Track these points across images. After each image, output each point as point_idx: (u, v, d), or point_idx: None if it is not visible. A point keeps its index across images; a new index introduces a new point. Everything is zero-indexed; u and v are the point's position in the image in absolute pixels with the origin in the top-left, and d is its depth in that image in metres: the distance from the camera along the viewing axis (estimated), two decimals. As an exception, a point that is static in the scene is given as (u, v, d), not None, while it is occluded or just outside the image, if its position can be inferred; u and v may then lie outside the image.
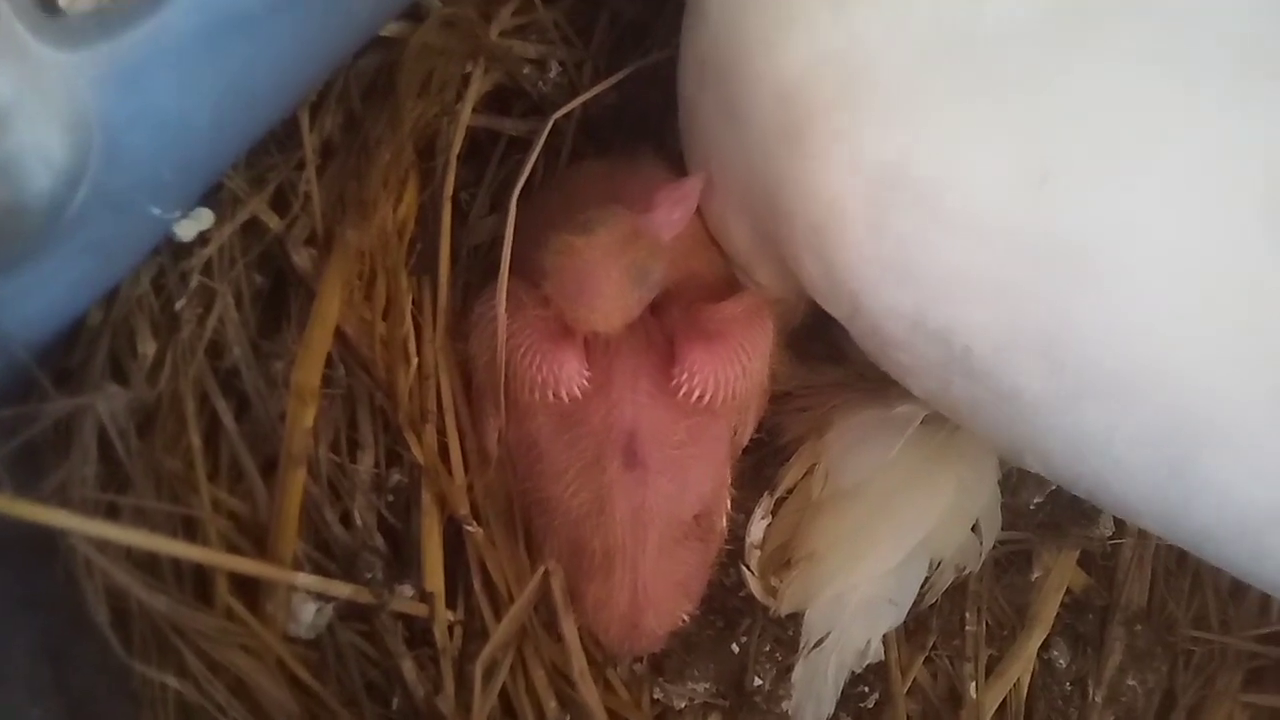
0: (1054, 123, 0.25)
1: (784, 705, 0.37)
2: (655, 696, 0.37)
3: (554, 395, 0.33)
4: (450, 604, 0.35)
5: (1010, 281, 0.26)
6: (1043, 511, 0.40)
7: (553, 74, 0.39)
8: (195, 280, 0.33)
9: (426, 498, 0.35)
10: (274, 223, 0.35)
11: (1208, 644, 0.38)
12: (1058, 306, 0.26)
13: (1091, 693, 0.38)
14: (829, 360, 0.41)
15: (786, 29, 0.28)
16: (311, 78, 0.31)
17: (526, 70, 0.39)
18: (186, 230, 0.31)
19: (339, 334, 0.34)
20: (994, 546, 0.39)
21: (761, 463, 0.41)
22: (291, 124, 0.34)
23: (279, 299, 0.36)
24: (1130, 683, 0.38)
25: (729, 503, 0.37)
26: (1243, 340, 0.24)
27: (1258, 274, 0.24)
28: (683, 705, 0.37)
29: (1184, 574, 0.39)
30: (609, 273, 0.33)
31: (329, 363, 0.35)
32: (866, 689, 0.38)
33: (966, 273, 0.27)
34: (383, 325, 0.35)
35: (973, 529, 0.38)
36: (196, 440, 0.34)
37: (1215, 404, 0.25)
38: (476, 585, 0.35)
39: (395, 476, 0.36)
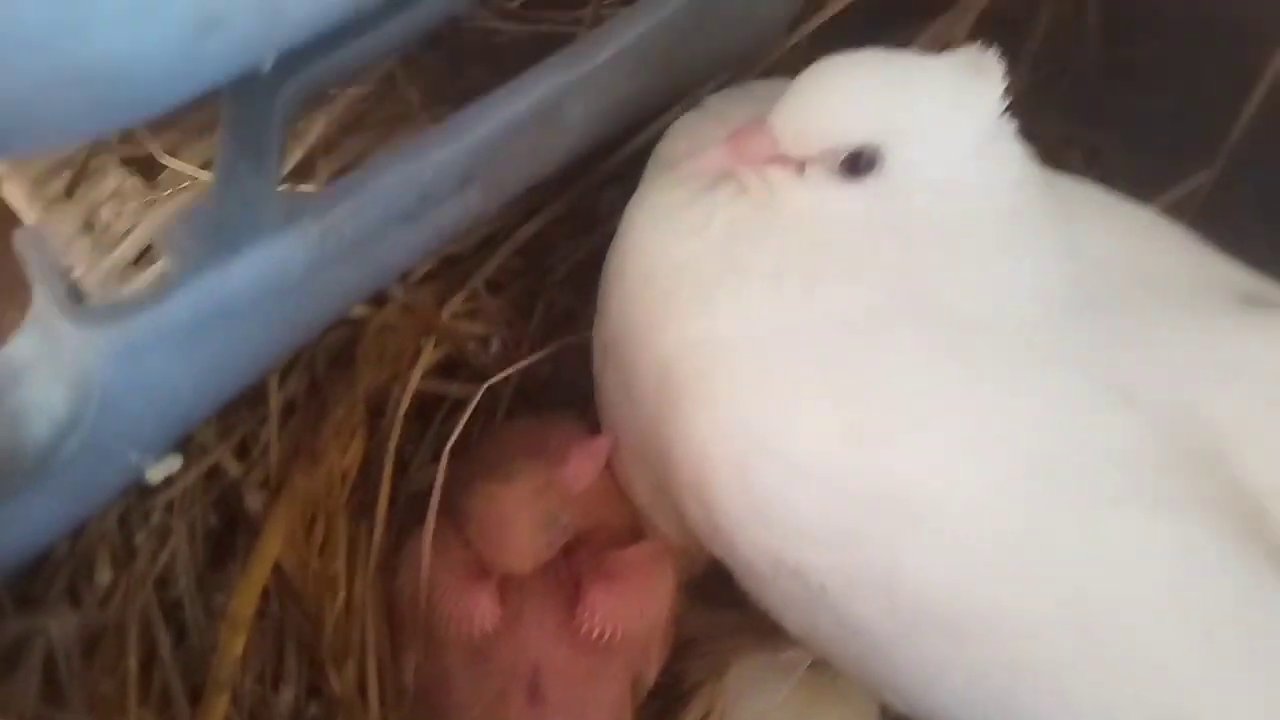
0: (865, 391, 0.31)
1: None
2: None
3: (467, 630, 0.37)
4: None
5: (849, 527, 0.32)
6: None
7: (494, 349, 0.46)
8: (156, 518, 0.37)
9: (341, 730, 0.37)
10: (234, 469, 0.40)
11: None
12: (888, 549, 0.31)
13: None
14: (731, 605, 0.45)
15: (663, 323, 0.35)
16: (282, 354, 0.37)
17: (471, 345, 0.46)
18: (157, 474, 0.36)
19: (277, 569, 0.38)
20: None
21: (666, 707, 0.43)
22: (261, 386, 0.40)
23: (230, 537, 0.40)
24: None
25: (628, 743, 0.39)
26: (1034, 584, 0.29)
27: (1035, 527, 0.29)
28: None
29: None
30: (523, 519, 0.38)
31: (265, 596, 0.39)
32: None
33: (814, 519, 0.32)
34: (318, 562, 0.39)
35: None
36: (133, 665, 0.37)
37: (1022, 641, 0.30)
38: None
39: (313, 709, 0.38)
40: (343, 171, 0.42)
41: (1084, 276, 0.32)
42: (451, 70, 0.48)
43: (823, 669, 0.42)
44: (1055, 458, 0.29)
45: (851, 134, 0.34)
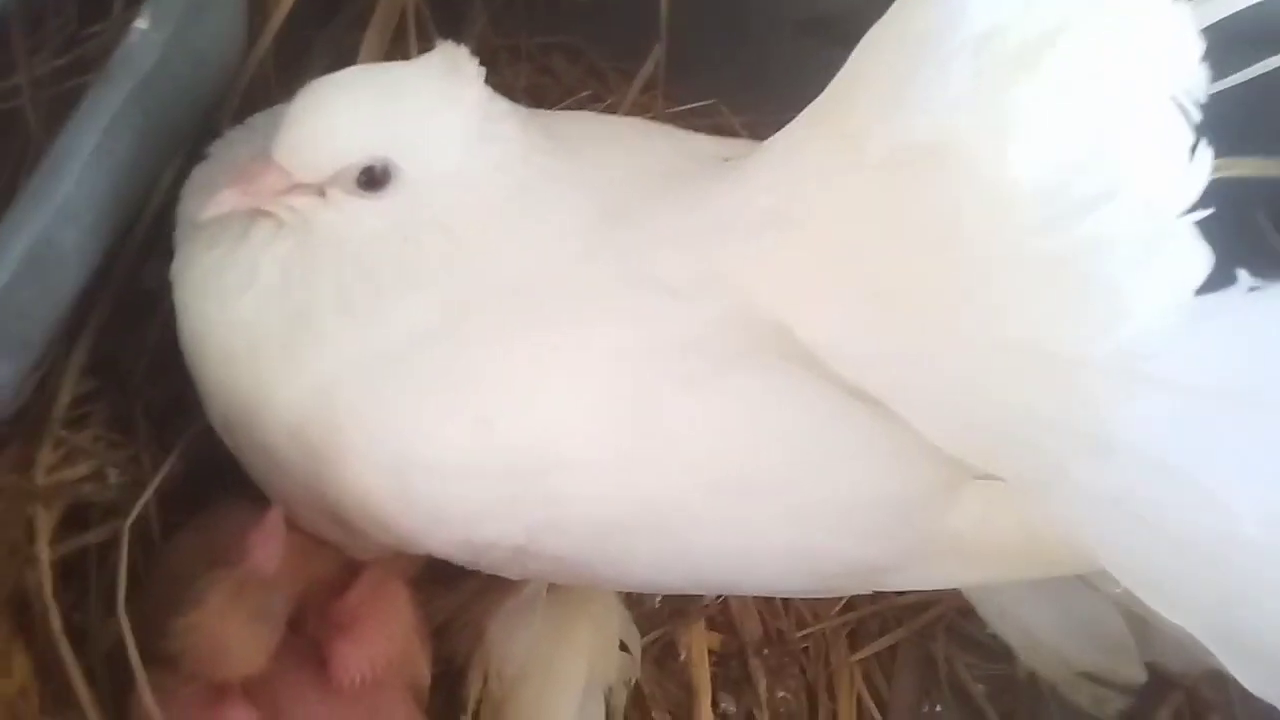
0: (472, 383, 0.35)
1: None
2: None
3: (239, 749, 0.37)
4: None
5: (512, 495, 0.36)
6: (666, 605, 0.50)
7: (113, 479, 0.43)
8: None
9: None
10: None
11: (814, 635, 0.51)
12: (549, 500, 0.36)
13: (760, 718, 0.48)
14: (461, 576, 0.49)
15: (264, 390, 0.36)
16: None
17: (88, 489, 0.43)
18: None
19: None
20: (644, 649, 0.48)
21: (449, 691, 0.47)
22: None
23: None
24: (781, 694, 0.49)
25: (434, 741, 0.43)
26: (661, 473, 0.36)
27: (644, 431, 0.35)
28: None
29: (773, 600, 0.51)
30: (233, 629, 0.38)
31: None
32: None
33: (482, 504, 0.36)
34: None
35: (621, 648, 0.48)
36: None
37: (667, 518, 0.36)
38: None
39: None
40: None
41: (603, 202, 0.37)
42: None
43: (556, 587, 0.47)
44: (640, 368, 0.35)
45: (356, 151, 0.35)
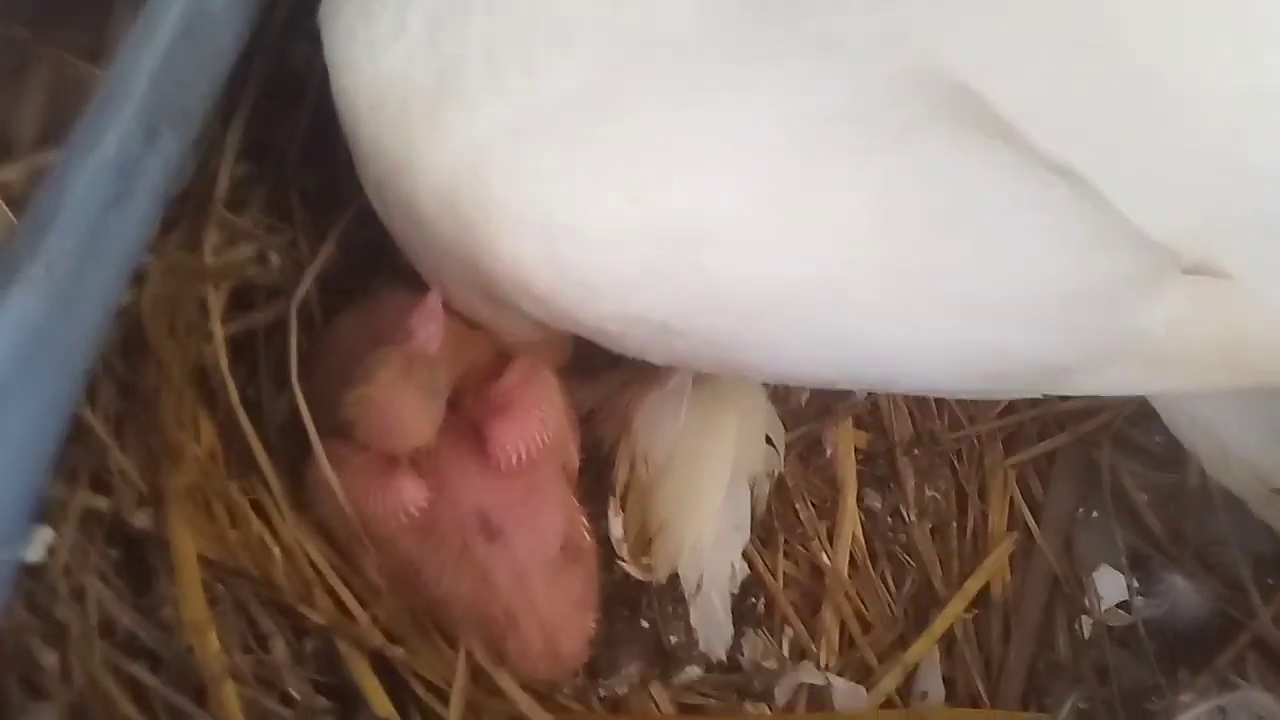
0: (621, 149, 0.33)
1: (699, 646, 0.45)
2: (601, 694, 0.44)
3: (405, 516, 0.39)
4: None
5: (659, 268, 0.34)
6: (813, 402, 0.49)
7: (275, 262, 0.44)
8: (63, 586, 0.37)
9: (344, 647, 0.40)
10: (104, 504, 0.39)
11: (967, 438, 0.49)
12: (697, 272, 0.34)
13: (907, 516, 0.48)
14: (608, 367, 0.49)
15: (414, 150, 0.35)
16: (81, 384, 0.35)
17: (252, 271, 0.44)
18: (35, 552, 0.35)
19: (203, 561, 0.39)
20: (789, 445, 0.48)
21: (597, 475, 0.48)
22: (77, 417, 0.38)
23: (140, 561, 0.40)
24: (930, 494, 0.48)
25: (584, 520, 0.44)
26: (813, 248, 0.33)
27: (798, 206, 0.32)
28: (625, 689, 0.44)
29: (926, 400, 0.49)
30: (404, 403, 0.39)
31: (207, 588, 0.39)
32: (753, 599, 0.47)
33: (631, 273, 0.34)
34: (235, 533, 0.40)
35: (767, 442, 0.48)
36: (130, 709, 0.38)
37: (825, 296, 0.34)
38: (421, 692, 0.40)
39: (309, 644, 0.41)
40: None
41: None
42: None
43: (702, 380, 0.47)
44: (808, 137, 0.32)
45: None
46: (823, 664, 0.47)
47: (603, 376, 0.49)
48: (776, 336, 0.36)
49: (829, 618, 0.47)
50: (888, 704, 0.46)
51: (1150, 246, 0.31)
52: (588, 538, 0.44)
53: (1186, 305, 0.34)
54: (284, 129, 0.45)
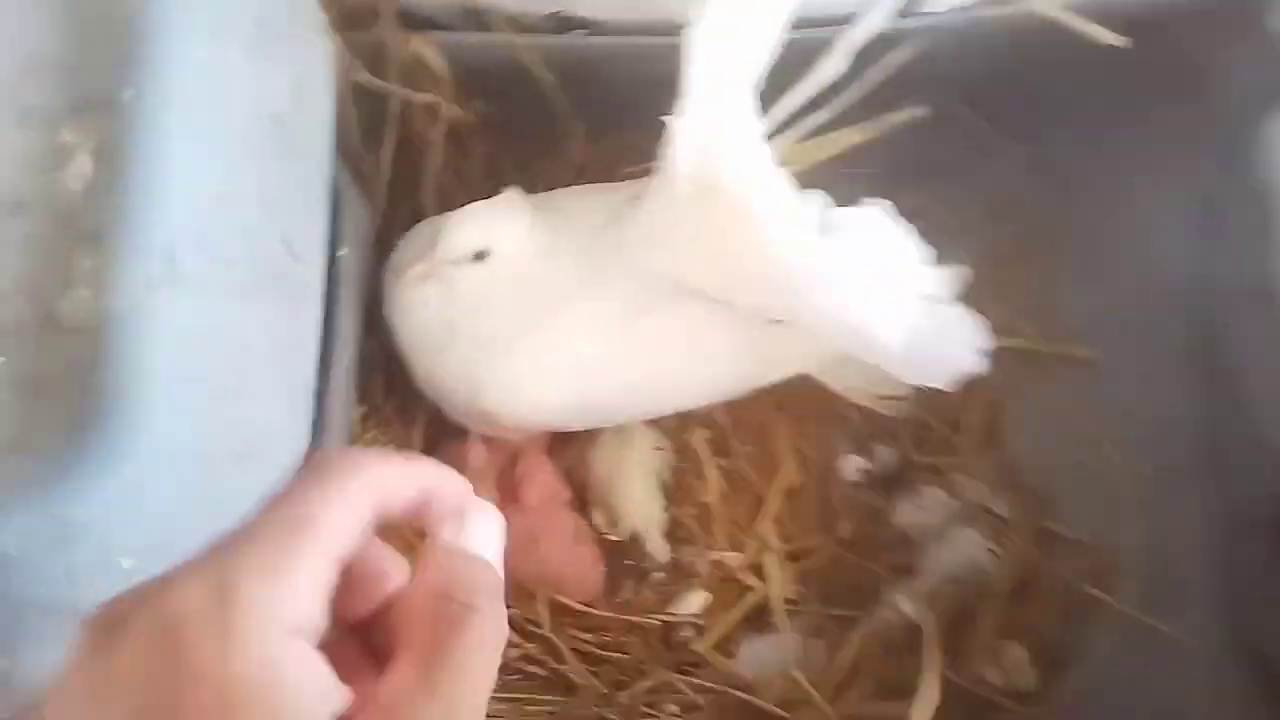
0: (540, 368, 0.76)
1: (653, 559, 0.87)
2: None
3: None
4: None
5: (560, 409, 0.77)
6: (673, 419, 0.92)
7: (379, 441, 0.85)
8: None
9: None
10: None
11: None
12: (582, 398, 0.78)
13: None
14: (565, 440, 0.91)
15: (455, 383, 0.78)
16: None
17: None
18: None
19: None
20: (669, 445, 0.91)
21: (578, 494, 0.90)
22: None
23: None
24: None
25: (579, 518, 0.87)
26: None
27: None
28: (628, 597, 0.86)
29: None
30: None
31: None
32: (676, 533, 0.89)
33: (549, 414, 0.78)
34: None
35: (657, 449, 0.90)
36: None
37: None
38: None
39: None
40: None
41: (589, 238, 0.75)
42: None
43: (616, 427, 0.89)
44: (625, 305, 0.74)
45: (472, 243, 0.74)
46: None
47: (568, 445, 0.91)
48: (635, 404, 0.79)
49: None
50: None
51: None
52: (585, 529, 0.86)
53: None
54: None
